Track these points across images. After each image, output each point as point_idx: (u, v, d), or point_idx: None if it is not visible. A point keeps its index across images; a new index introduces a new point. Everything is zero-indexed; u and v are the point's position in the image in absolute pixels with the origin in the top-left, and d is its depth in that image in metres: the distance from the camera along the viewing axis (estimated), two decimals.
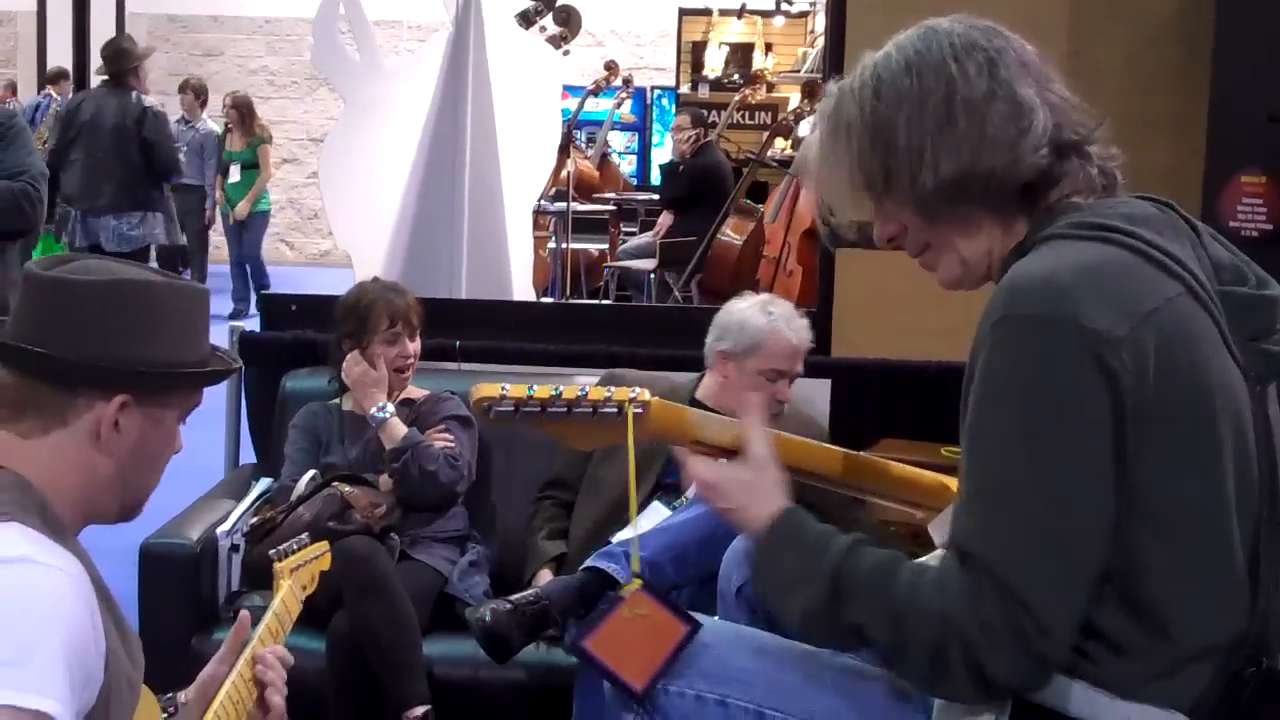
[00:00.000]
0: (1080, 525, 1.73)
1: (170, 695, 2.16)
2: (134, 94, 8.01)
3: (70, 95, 10.97)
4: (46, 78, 12.26)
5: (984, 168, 1.86)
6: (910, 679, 1.88)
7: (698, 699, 2.07)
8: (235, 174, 11.56)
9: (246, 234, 11.81)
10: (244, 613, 2.27)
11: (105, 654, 1.74)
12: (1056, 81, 1.94)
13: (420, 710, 3.46)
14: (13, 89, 12.30)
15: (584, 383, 4.01)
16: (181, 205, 10.42)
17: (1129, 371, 1.72)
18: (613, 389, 2.07)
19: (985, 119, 1.85)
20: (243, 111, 11.60)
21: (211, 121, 12.15)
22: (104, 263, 1.92)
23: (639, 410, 2.06)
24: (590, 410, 2.06)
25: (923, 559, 1.98)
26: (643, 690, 2.08)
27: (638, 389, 2.08)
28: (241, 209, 11.54)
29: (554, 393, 2.05)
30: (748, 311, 3.84)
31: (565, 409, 2.06)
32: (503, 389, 2.05)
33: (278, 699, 2.20)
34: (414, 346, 4.08)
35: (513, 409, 2.05)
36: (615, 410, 2.06)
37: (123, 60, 7.93)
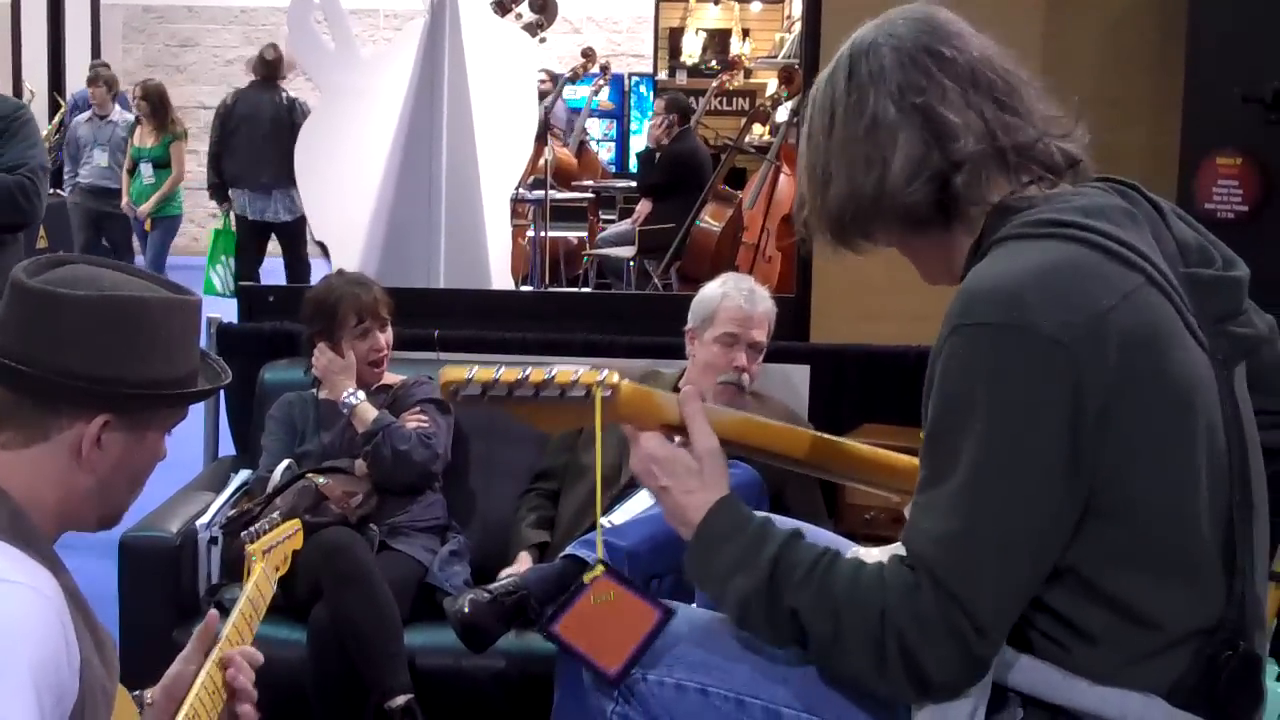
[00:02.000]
0: (1026, 533, 1.74)
1: (137, 694, 2.11)
2: (281, 90, 9.56)
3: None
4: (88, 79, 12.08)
5: (866, 195, 1.92)
6: (847, 673, 1.87)
7: (678, 687, 2.06)
8: (148, 174, 9.80)
9: (151, 240, 10.05)
10: (212, 613, 2.22)
11: (80, 666, 1.71)
12: (998, 74, 1.93)
13: (402, 700, 3.46)
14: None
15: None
16: (99, 208, 9.87)
17: (1089, 371, 1.72)
18: (580, 371, 2.04)
19: (862, 150, 1.91)
20: (154, 102, 9.96)
21: (127, 114, 10.65)
22: (93, 271, 1.86)
23: (607, 394, 2.03)
24: (558, 393, 2.03)
25: (861, 552, 1.99)
26: (616, 674, 2.07)
27: (605, 371, 2.05)
28: (145, 207, 9.74)
29: (521, 375, 2.02)
30: (705, 288, 3.94)
31: (532, 392, 2.02)
32: (469, 371, 2.02)
33: (247, 706, 2.14)
34: (385, 338, 4.09)
35: (479, 392, 2.02)
36: (583, 394, 2.03)
37: (276, 64, 9.59)
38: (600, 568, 2.13)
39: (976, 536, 1.73)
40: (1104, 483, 1.75)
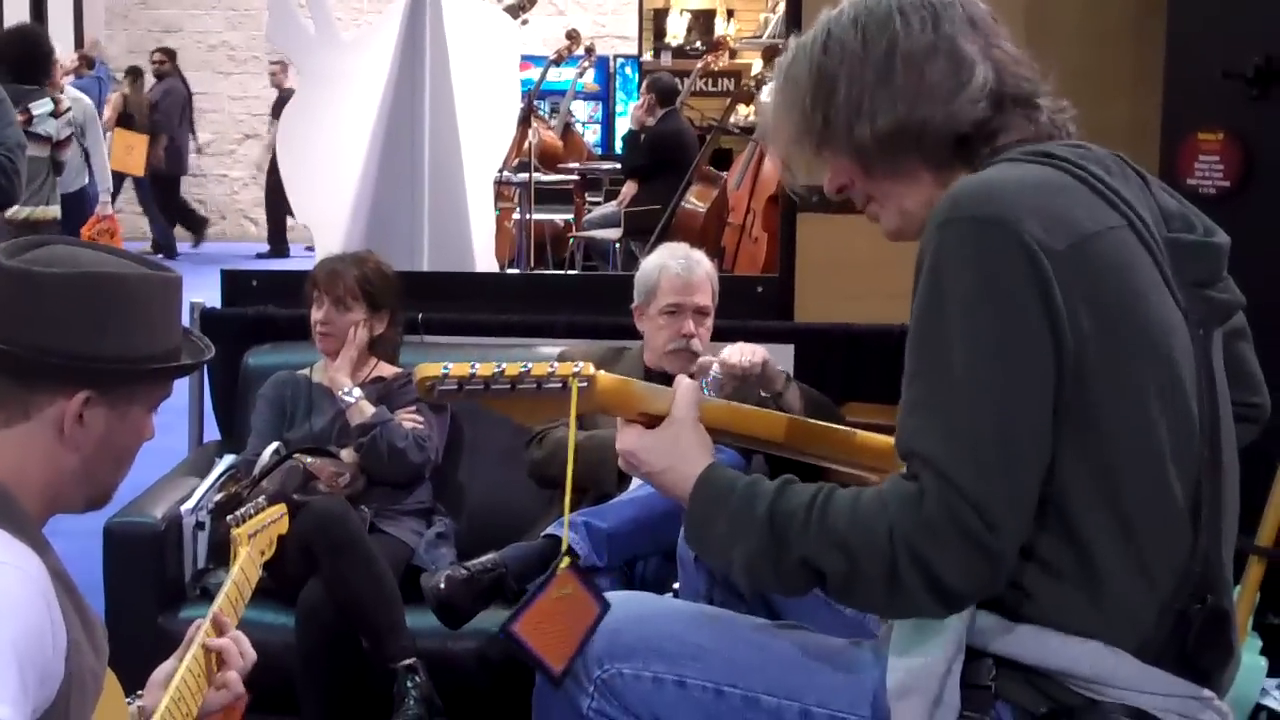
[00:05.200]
0: (1023, 422, 1.71)
1: (129, 701, 2.10)
2: None
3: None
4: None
5: (918, 119, 1.90)
6: (869, 605, 1.84)
7: (655, 680, 2.06)
8: None
9: None
10: (197, 621, 2.23)
11: (66, 648, 1.71)
12: (1004, 38, 1.97)
13: (407, 661, 3.48)
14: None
15: (547, 354, 4.05)
16: None
17: (1065, 286, 1.72)
18: (556, 364, 2.05)
19: (924, 72, 1.90)
20: None
21: None
22: (73, 250, 1.86)
23: (583, 385, 2.04)
24: (534, 386, 2.03)
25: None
26: (559, 674, 2.08)
27: (581, 363, 2.06)
28: None
29: (496, 369, 2.02)
30: (643, 264, 3.99)
31: (509, 385, 2.03)
32: (444, 368, 2.02)
33: (232, 673, 2.16)
34: (339, 314, 4.03)
35: (456, 387, 2.02)
36: (559, 385, 2.04)
37: None
38: (567, 559, 2.13)
39: (975, 424, 1.70)
40: (1076, 400, 1.74)
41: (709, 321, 3.87)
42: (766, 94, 7.41)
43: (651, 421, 2.05)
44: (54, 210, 6.43)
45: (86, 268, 1.81)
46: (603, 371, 2.07)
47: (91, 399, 1.81)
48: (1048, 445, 1.74)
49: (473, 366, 2.02)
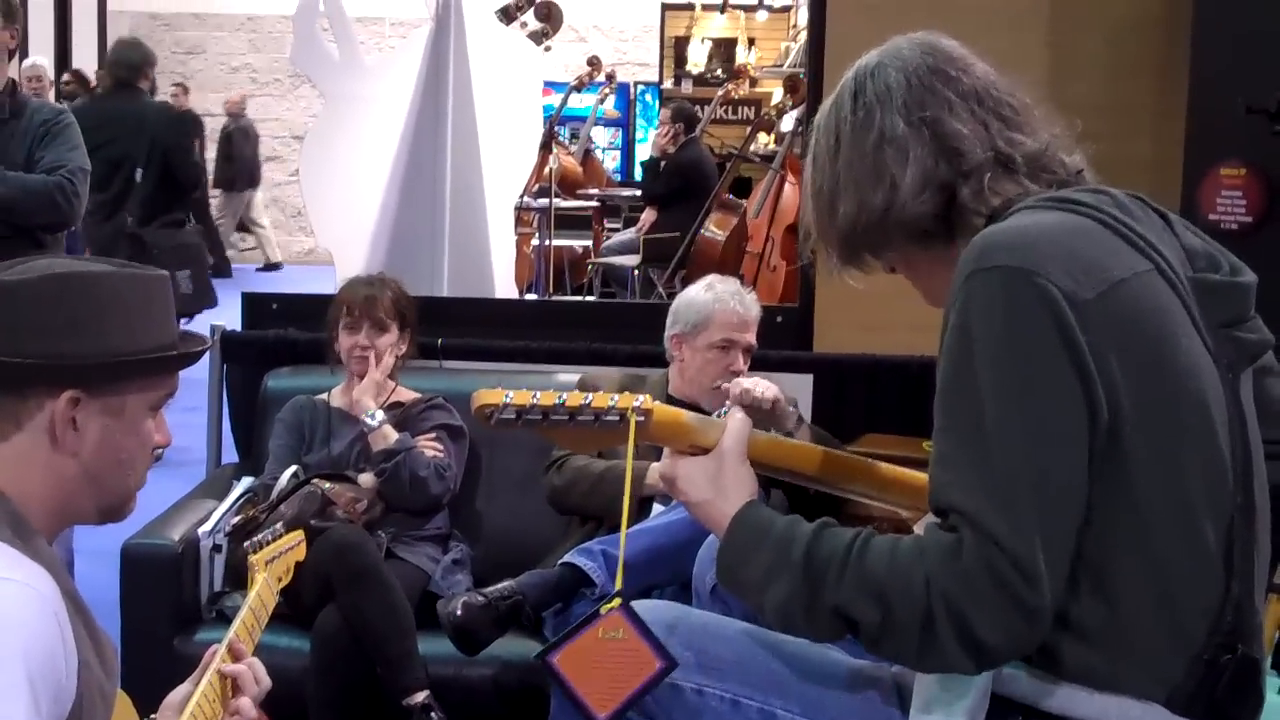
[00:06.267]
0: (1056, 473, 1.69)
1: None
2: None
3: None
4: None
5: (875, 209, 1.92)
6: (901, 657, 1.81)
7: (673, 687, 2.07)
8: None
9: None
10: (213, 647, 2.22)
11: (77, 667, 1.71)
12: (1003, 94, 1.95)
13: (421, 696, 3.47)
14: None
15: (565, 381, 4.06)
16: None
17: (1091, 338, 1.71)
18: (616, 396, 2.04)
19: (870, 166, 1.93)
20: None
21: None
22: (51, 260, 1.86)
23: (641, 419, 2.04)
24: (593, 418, 2.03)
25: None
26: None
27: (642, 397, 2.05)
28: None
29: (558, 400, 2.02)
30: (691, 293, 3.93)
31: (568, 416, 2.03)
32: (506, 395, 2.01)
33: (246, 700, 2.15)
34: (376, 339, 4.04)
35: (515, 416, 2.02)
36: (617, 419, 2.03)
37: None
38: (618, 600, 2.11)
39: (1008, 476, 1.68)
40: (1108, 450, 1.72)
41: (749, 360, 3.87)
42: (788, 124, 7.43)
43: (701, 453, 2.05)
44: None
45: (55, 270, 1.82)
46: (659, 404, 2.06)
47: (79, 400, 1.80)
48: (1083, 496, 1.72)
49: (534, 396, 2.02)
